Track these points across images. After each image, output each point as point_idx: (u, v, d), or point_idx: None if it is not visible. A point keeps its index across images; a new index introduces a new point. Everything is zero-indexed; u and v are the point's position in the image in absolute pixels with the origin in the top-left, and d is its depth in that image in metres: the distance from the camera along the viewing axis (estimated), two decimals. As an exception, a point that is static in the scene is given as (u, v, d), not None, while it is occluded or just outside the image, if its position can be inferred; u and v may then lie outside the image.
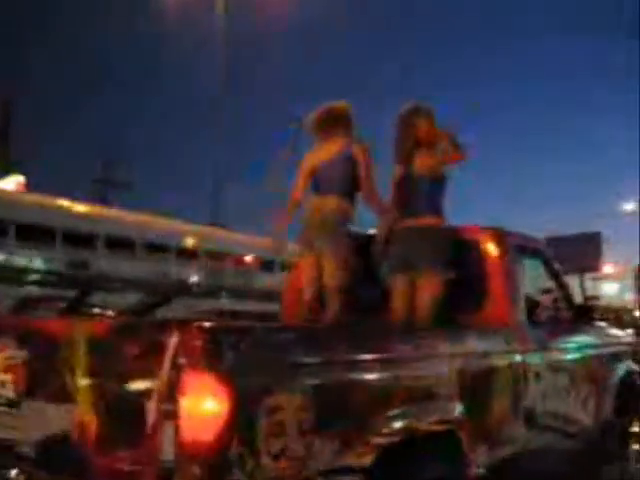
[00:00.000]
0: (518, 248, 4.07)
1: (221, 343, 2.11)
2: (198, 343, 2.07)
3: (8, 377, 2.70)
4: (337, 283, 3.90)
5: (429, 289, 3.81)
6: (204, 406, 2.04)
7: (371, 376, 2.60)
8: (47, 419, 2.53)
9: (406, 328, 3.50)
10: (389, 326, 3.62)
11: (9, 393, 2.69)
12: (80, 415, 2.35)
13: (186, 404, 2.04)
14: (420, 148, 3.98)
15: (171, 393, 2.06)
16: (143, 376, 2.17)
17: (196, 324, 2.11)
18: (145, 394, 2.13)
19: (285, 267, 12.80)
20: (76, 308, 3.19)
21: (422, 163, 3.97)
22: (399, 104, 4.14)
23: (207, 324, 2.14)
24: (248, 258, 14.62)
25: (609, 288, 38.22)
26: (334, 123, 4.11)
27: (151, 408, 2.10)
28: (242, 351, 2.15)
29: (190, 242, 13.90)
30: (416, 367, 2.86)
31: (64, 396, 2.44)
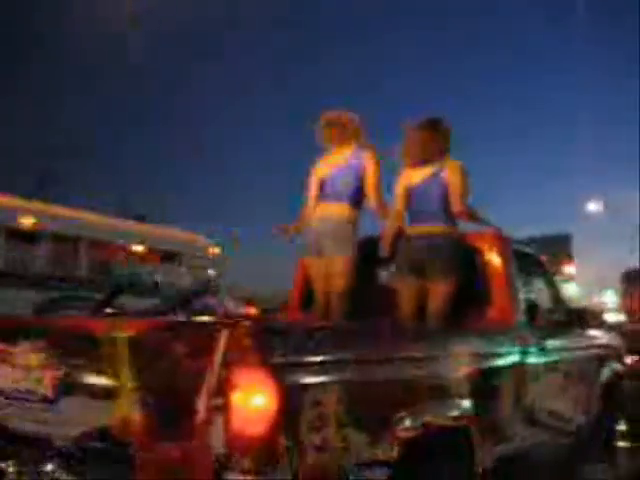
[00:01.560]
0: (518, 254, 4.26)
1: (269, 341, 2.24)
2: (247, 341, 2.19)
3: (44, 375, 2.79)
4: (346, 287, 4.04)
5: (440, 294, 3.95)
6: (253, 401, 2.16)
7: (398, 373, 2.74)
8: (85, 415, 2.62)
9: (427, 329, 3.65)
10: (414, 327, 3.76)
11: (45, 390, 2.77)
12: (125, 410, 2.44)
13: (236, 399, 2.16)
14: (433, 157, 4.12)
15: (221, 389, 2.17)
16: (191, 373, 2.27)
17: (245, 323, 2.22)
18: (193, 390, 2.24)
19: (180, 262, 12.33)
20: (104, 309, 3.27)
21: (432, 171, 4.11)
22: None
23: (256, 323, 2.25)
24: (140, 249, 12.44)
25: (571, 289, 38.81)
26: (341, 133, 4.25)
27: (201, 403, 2.21)
28: (287, 349, 2.28)
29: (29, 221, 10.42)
30: (436, 365, 3.01)
31: (105, 392, 2.53)
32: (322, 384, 2.35)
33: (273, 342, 2.25)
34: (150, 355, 2.44)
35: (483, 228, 4.14)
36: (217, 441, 2.17)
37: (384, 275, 4.54)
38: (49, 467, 2.70)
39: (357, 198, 4.16)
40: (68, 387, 2.69)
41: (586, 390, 4.89)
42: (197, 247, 13.20)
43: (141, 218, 14.11)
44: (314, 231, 4.22)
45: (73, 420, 2.66)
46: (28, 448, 2.80)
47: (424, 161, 4.14)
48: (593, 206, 32.45)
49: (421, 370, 2.89)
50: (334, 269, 4.06)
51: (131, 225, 13.12)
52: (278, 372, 2.19)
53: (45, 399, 2.77)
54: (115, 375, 2.47)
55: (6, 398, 2.96)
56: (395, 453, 2.59)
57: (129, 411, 2.42)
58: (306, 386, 2.28)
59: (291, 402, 2.21)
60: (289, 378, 2.22)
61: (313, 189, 4.27)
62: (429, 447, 2.80)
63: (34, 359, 2.87)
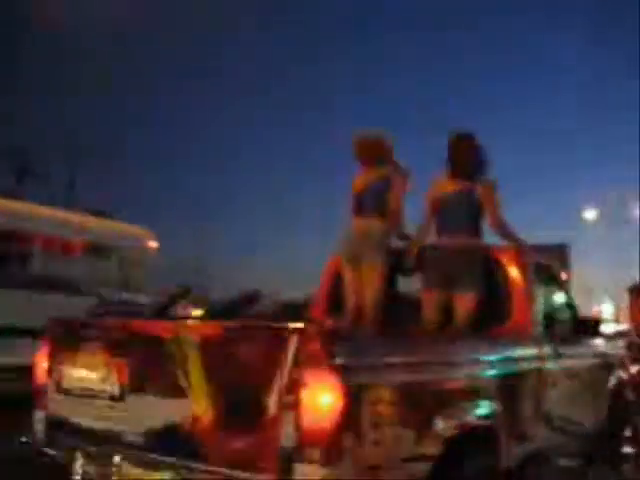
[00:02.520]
0: (538, 267, 4.52)
1: (334, 345, 2.48)
2: (315, 345, 2.42)
3: (110, 375, 3.01)
4: (378, 294, 4.31)
5: (465, 304, 4.19)
6: (321, 398, 2.39)
7: (441, 376, 2.99)
8: (153, 411, 2.84)
9: (464, 336, 3.88)
10: (452, 334, 4.00)
11: (112, 389, 3.00)
12: (195, 406, 2.67)
13: (306, 396, 2.40)
14: (462, 172, 4.37)
15: (292, 387, 2.41)
16: (263, 373, 2.51)
17: (314, 328, 2.47)
18: (265, 388, 2.47)
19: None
20: (163, 313, 3.49)
21: (465, 185, 4.34)
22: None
23: (324, 328, 2.49)
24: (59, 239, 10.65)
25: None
26: (373, 152, 4.56)
27: (272, 400, 2.45)
28: (350, 352, 2.52)
29: None
30: (471, 369, 3.26)
31: (173, 390, 2.76)
32: (378, 384, 2.59)
33: (338, 345, 2.49)
34: (218, 356, 2.66)
35: (510, 242, 4.37)
36: (287, 434, 2.40)
37: (408, 285, 4.79)
38: (116, 459, 2.92)
39: (386, 212, 4.42)
40: (137, 386, 2.92)
41: (596, 396, 5.16)
42: (133, 240, 11.52)
43: (100, 213, 12.40)
44: (351, 241, 4.48)
45: (141, 416, 2.89)
46: (96, 442, 3.03)
47: (461, 173, 4.36)
48: (589, 214, 32.72)
49: (459, 373, 3.14)
50: (367, 275, 4.33)
51: (47, 212, 10.97)
52: (342, 373, 2.43)
53: (113, 397, 3.00)
54: (187, 374, 2.70)
55: (73, 397, 3.19)
56: (437, 450, 2.83)
57: (201, 407, 2.65)
58: (365, 386, 2.52)
59: (352, 400, 2.45)
60: (351, 378, 2.45)
61: (352, 203, 4.56)
62: (465, 444, 3.03)
63: (99, 360, 3.10)
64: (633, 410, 6.01)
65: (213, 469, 2.60)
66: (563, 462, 4.65)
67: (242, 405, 2.56)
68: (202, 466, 2.63)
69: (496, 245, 4.44)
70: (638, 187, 29.63)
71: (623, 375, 5.97)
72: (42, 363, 3.44)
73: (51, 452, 3.26)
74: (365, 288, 4.34)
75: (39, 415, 3.40)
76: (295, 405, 2.40)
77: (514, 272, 4.29)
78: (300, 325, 2.49)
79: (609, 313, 29.64)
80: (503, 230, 4.33)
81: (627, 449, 5.79)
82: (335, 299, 4.75)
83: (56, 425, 3.30)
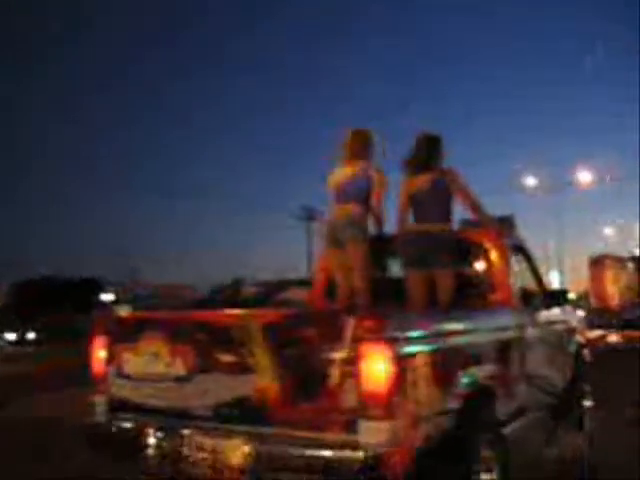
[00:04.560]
0: (513, 246, 5.16)
1: (386, 323, 3.02)
2: (371, 323, 2.96)
3: (175, 358, 3.47)
4: (366, 274, 4.80)
5: (442, 282, 4.78)
6: (376, 367, 2.94)
7: (460, 343, 3.58)
8: (220, 387, 3.31)
9: (469, 309, 4.48)
10: (463, 307, 4.55)
11: (178, 371, 3.46)
12: (262, 381, 3.16)
13: (364, 366, 2.94)
14: (431, 166, 4.94)
15: (352, 359, 2.95)
16: (324, 349, 3.03)
17: (367, 310, 3.00)
18: (326, 362, 3.00)
19: None
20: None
21: (432, 178, 4.91)
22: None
23: (377, 310, 3.03)
24: None
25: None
26: (360, 147, 5.01)
27: (335, 371, 2.97)
28: (397, 327, 3.07)
29: None
30: (478, 337, 3.88)
31: (239, 368, 3.24)
32: (417, 353, 3.16)
33: (387, 323, 3.03)
34: (291, 337, 3.16)
35: (485, 221, 4.98)
36: (351, 398, 2.94)
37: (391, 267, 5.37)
38: (186, 432, 3.39)
39: (365, 201, 4.91)
40: (202, 367, 3.39)
41: (564, 358, 5.90)
42: None
43: None
44: (333, 226, 4.96)
45: (209, 392, 3.36)
46: (167, 418, 3.49)
47: (425, 169, 4.93)
48: (530, 180, 33.02)
49: (472, 340, 3.74)
50: (350, 256, 4.79)
51: None
52: (392, 345, 2.98)
53: (178, 378, 3.46)
54: (255, 354, 3.19)
55: (139, 381, 3.63)
56: (459, 405, 3.42)
57: (268, 381, 3.15)
58: (408, 354, 3.08)
59: (400, 366, 3.00)
60: (398, 349, 3.00)
61: (332, 194, 5.01)
62: (476, 400, 3.63)
63: (162, 346, 3.55)
64: (590, 369, 6.83)
65: (283, 431, 3.11)
66: (538, 416, 5.33)
67: (308, 377, 3.07)
68: (272, 430, 3.14)
69: (479, 229, 5.05)
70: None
71: (581, 339, 6.76)
72: (100, 353, 3.85)
73: (117, 429, 3.69)
74: (353, 270, 4.75)
75: (100, 398, 3.83)
76: (356, 374, 2.94)
77: (495, 252, 4.91)
78: (356, 309, 3.01)
79: (558, 282, 31.03)
80: (479, 211, 4.94)
81: (587, 402, 6.58)
82: (330, 285, 5.26)
83: (120, 406, 3.73)
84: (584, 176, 31.21)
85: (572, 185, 32.13)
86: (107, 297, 29.88)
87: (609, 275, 15.73)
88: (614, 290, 15.56)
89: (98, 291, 28.98)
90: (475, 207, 4.91)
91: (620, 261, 15.91)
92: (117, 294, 32.27)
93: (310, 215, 44.42)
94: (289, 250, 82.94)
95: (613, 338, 14.50)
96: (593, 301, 15.59)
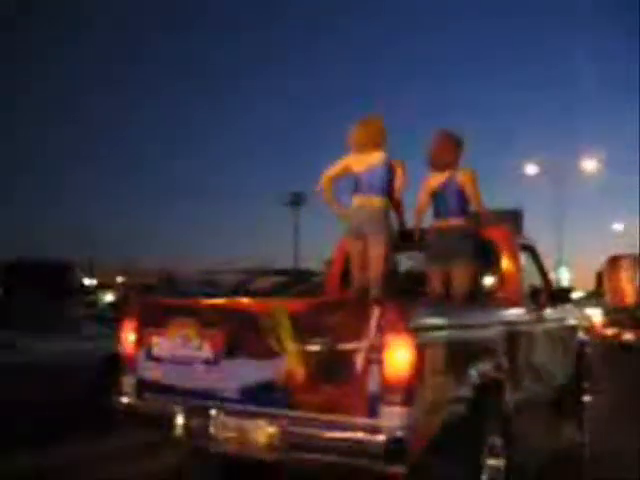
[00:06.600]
0: (521, 245, 5.35)
1: (410, 314, 3.21)
2: (394, 314, 3.15)
3: (204, 342, 3.65)
4: (384, 267, 4.93)
5: (461, 276, 4.96)
6: (398, 354, 3.12)
7: (474, 336, 3.78)
8: (248, 370, 3.49)
9: (483, 303, 4.68)
10: (477, 302, 4.75)
11: (207, 354, 3.64)
12: (289, 365, 3.35)
13: (387, 354, 3.12)
14: (451, 164, 5.10)
15: (376, 347, 3.13)
16: (349, 337, 3.21)
17: (392, 301, 3.19)
18: (351, 349, 3.18)
19: None
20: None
21: (450, 175, 5.07)
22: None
23: (399, 301, 3.22)
24: None
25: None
26: (374, 136, 5.02)
27: (359, 358, 3.16)
28: (418, 318, 3.26)
29: None
30: (491, 331, 4.07)
31: (267, 353, 3.42)
32: (436, 343, 3.35)
33: (411, 314, 3.22)
34: (318, 324, 3.34)
35: (488, 223, 5.15)
36: (373, 383, 3.13)
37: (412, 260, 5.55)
38: (213, 412, 3.58)
39: (387, 193, 4.92)
40: (230, 351, 3.57)
41: (566, 354, 6.10)
42: None
43: None
44: (354, 218, 4.92)
45: (236, 375, 3.54)
46: (192, 399, 3.67)
47: (445, 167, 5.08)
48: (531, 169, 30.84)
49: (485, 334, 3.94)
50: (371, 248, 4.78)
51: None
52: (413, 335, 3.16)
53: (207, 361, 3.64)
54: (280, 340, 3.37)
55: (168, 363, 3.81)
56: (471, 394, 3.61)
57: (295, 366, 3.33)
58: (427, 344, 3.27)
59: (420, 355, 3.18)
60: (419, 339, 3.19)
61: (336, 169, 5.01)
62: (487, 390, 3.82)
63: (191, 331, 3.73)
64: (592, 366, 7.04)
65: (306, 414, 3.30)
66: (541, 409, 5.54)
67: (332, 363, 3.26)
68: (297, 413, 3.33)
69: (492, 227, 5.22)
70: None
71: (584, 337, 6.96)
72: (130, 336, 4.03)
73: (144, 409, 3.88)
74: (370, 262, 4.77)
75: (129, 379, 4.01)
76: (380, 361, 3.12)
77: (506, 250, 5.09)
78: (381, 299, 3.20)
79: (567, 279, 30.83)
80: (483, 216, 5.11)
81: (586, 398, 6.79)
82: (346, 274, 5.42)
83: (148, 387, 3.92)
84: (590, 164, 30.03)
85: (578, 172, 30.95)
86: (90, 282, 29.19)
87: (625, 274, 16.25)
88: (630, 288, 16.07)
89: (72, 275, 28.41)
90: (478, 210, 5.08)
91: (636, 260, 16.42)
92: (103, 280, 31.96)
93: (297, 200, 45.30)
94: (276, 237, 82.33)
95: (628, 336, 14.89)
96: (609, 299, 16.05)
